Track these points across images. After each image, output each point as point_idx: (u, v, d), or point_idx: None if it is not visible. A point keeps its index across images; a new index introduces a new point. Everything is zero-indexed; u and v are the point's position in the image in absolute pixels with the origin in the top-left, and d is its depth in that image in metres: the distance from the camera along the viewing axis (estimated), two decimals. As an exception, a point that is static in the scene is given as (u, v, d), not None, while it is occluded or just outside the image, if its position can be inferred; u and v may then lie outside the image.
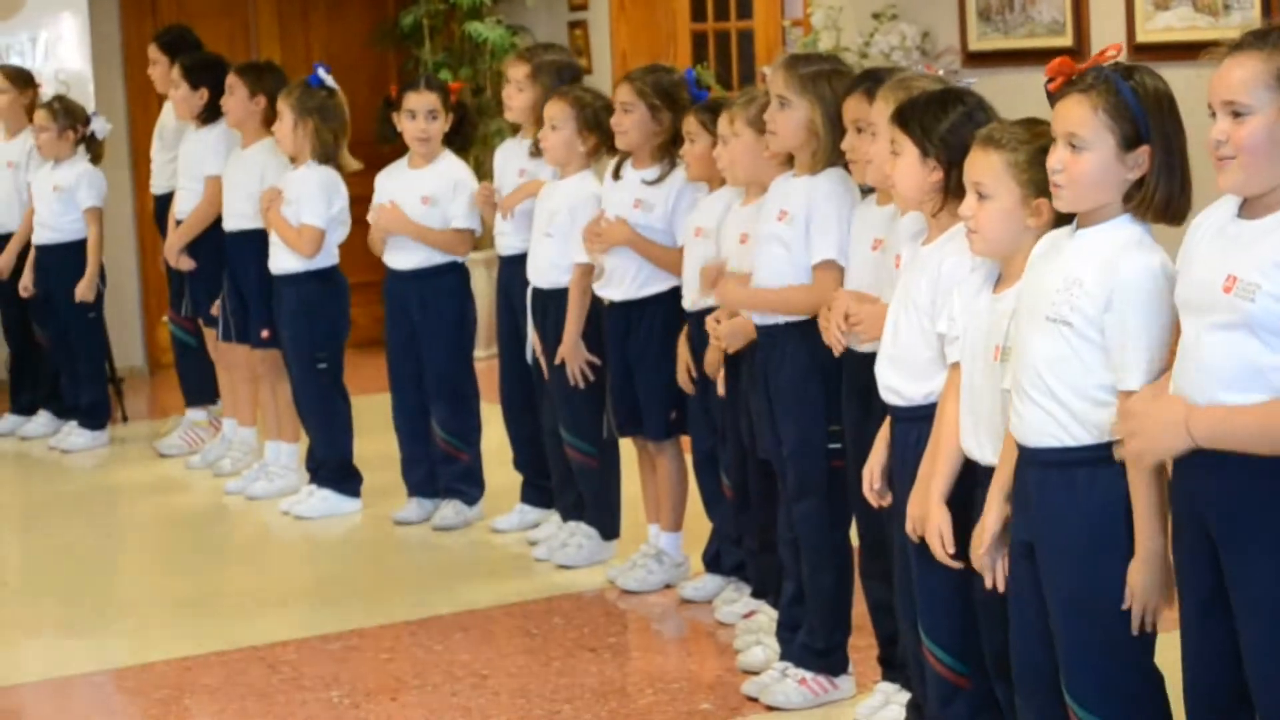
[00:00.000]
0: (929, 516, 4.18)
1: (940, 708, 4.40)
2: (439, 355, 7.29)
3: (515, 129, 7.21)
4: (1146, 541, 3.67)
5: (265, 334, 7.83)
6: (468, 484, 7.37)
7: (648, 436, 6.40)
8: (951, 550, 4.15)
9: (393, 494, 7.59)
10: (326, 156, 7.48)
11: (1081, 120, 3.72)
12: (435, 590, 6.59)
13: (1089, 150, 3.72)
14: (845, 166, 5.11)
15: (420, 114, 7.19)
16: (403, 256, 7.27)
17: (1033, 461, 3.81)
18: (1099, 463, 3.73)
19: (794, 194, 5.20)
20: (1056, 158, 3.75)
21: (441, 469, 7.39)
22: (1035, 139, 3.97)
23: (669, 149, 6.23)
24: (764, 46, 10.09)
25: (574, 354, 6.52)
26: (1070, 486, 3.75)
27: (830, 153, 5.14)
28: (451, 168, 7.27)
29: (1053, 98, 3.82)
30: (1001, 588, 3.99)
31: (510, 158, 7.10)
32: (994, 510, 3.96)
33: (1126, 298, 3.67)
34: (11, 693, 5.84)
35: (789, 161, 5.29)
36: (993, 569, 3.99)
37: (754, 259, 5.32)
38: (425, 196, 7.22)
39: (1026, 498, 3.85)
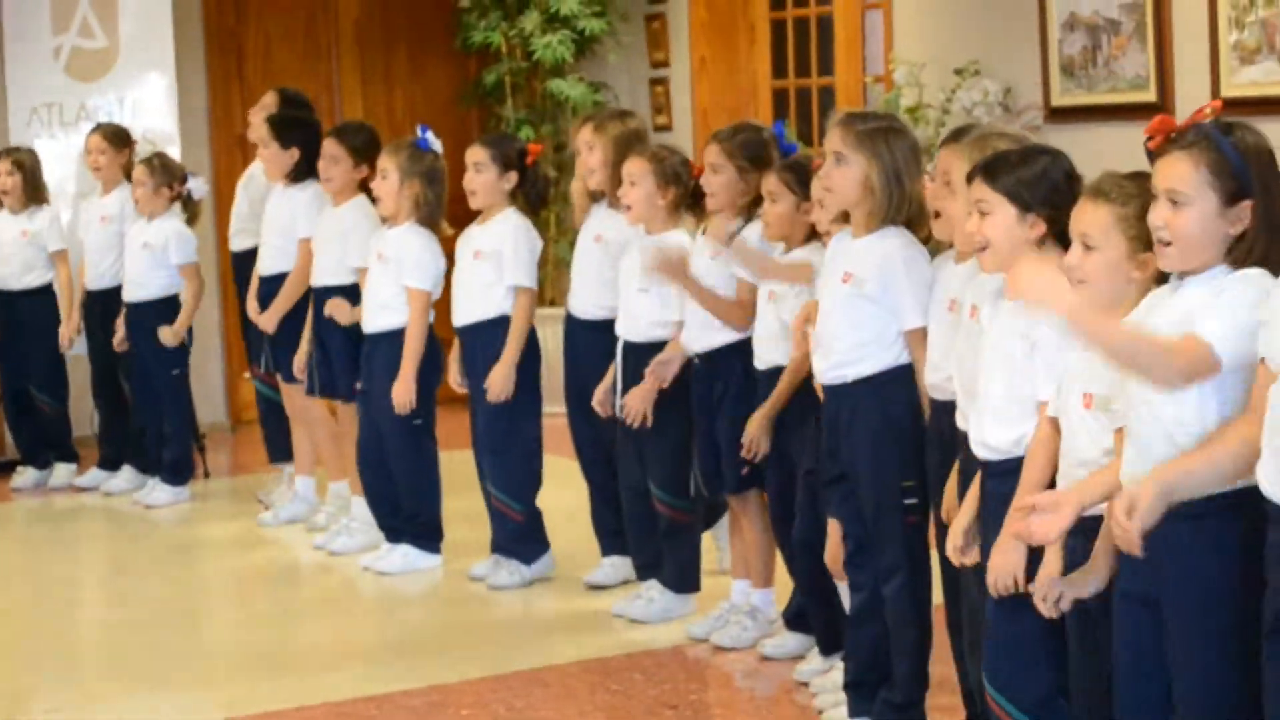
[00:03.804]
0: (1045, 565, 4.11)
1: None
2: (491, 410, 7.28)
3: (594, 195, 7.19)
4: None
5: (358, 386, 7.83)
6: (524, 543, 7.35)
7: (725, 491, 6.38)
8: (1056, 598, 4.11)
9: (473, 550, 7.58)
10: (429, 219, 7.50)
11: (1183, 177, 3.71)
12: (515, 646, 6.58)
13: (1190, 207, 3.71)
14: (905, 224, 5.15)
15: (469, 167, 7.25)
16: (461, 311, 7.30)
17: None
18: (1226, 513, 3.68)
19: (857, 256, 5.20)
20: (1159, 215, 3.74)
21: (495, 527, 7.39)
22: (1143, 193, 3.95)
23: (751, 207, 6.23)
24: (845, 103, 10.06)
25: (645, 399, 6.54)
26: (1198, 539, 3.70)
27: (887, 210, 5.15)
28: (506, 225, 7.27)
29: (1151, 155, 3.81)
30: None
31: (591, 224, 7.12)
32: (1105, 561, 3.94)
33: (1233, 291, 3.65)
34: (94, 747, 5.87)
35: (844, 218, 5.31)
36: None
37: (821, 319, 5.31)
38: (477, 251, 7.25)
39: (1150, 550, 3.78)
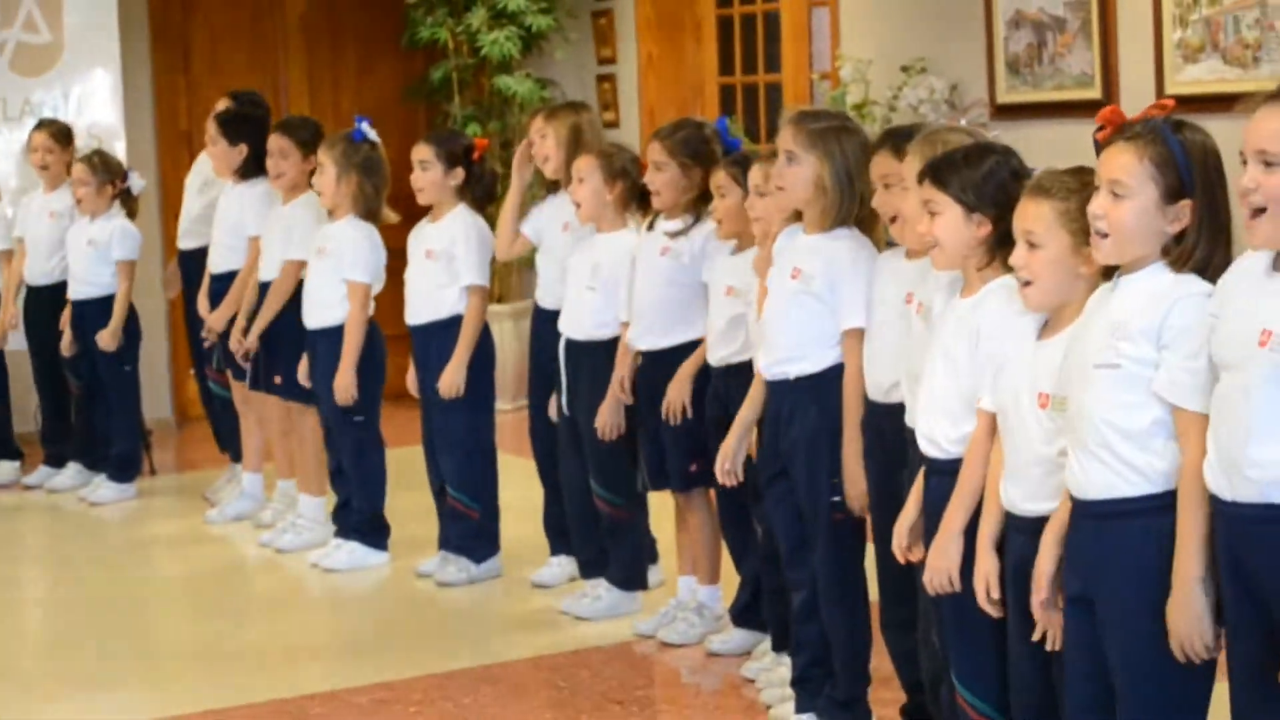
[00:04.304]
0: (980, 562, 4.15)
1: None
2: (448, 410, 7.28)
3: (551, 186, 7.18)
4: (1184, 571, 3.65)
5: (277, 380, 7.84)
6: (477, 541, 7.35)
7: (672, 488, 6.39)
8: (997, 596, 4.14)
9: (421, 547, 7.58)
10: (369, 212, 7.50)
11: (1126, 168, 3.73)
12: (463, 643, 6.58)
13: (1130, 198, 3.73)
14: (857, 222, 5.17)
15: (415, 164, 7.25)
16: (414, 311, 7.30)
17: (1090, 514, 3.80)
18: (1158, 512, 3.70)
19: (807, 252, 5.22)
20: (1098, 204, 3.76)
21: (450, 525, 7.39)
22: (1085, 187, 3.96)
23: (697, 203, 6.24)
24: (792, 100, 10.09)
25: (614, 414, 6.52)
26: (1130, 537, 3.73)
27: (840, 209, 5.17)
28: (458, 223, 7.26)
29: (1099, 146, 3.82)
30: (1058, 641, 3.96)
31: (554, 214, 7.09)
32: (1049, 557, 3.93)
33: (1181, 327, 3.66)
34: (39, 745, 5.84)
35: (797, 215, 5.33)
36: (1049, 620, 3.96)
37: (767, 314, 5.33)
38: (429, 250, 7.24)
39: (1083, 552, 3.83)
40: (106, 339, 8.96)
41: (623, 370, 6.47)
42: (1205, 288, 3.68)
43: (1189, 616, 3.64)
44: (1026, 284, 4.05)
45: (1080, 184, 3.99)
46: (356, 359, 7.45)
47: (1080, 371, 3.79)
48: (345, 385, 7.43)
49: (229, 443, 8.94)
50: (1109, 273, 3.90)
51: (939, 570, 4.26)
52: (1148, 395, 3.69)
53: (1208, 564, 3.62)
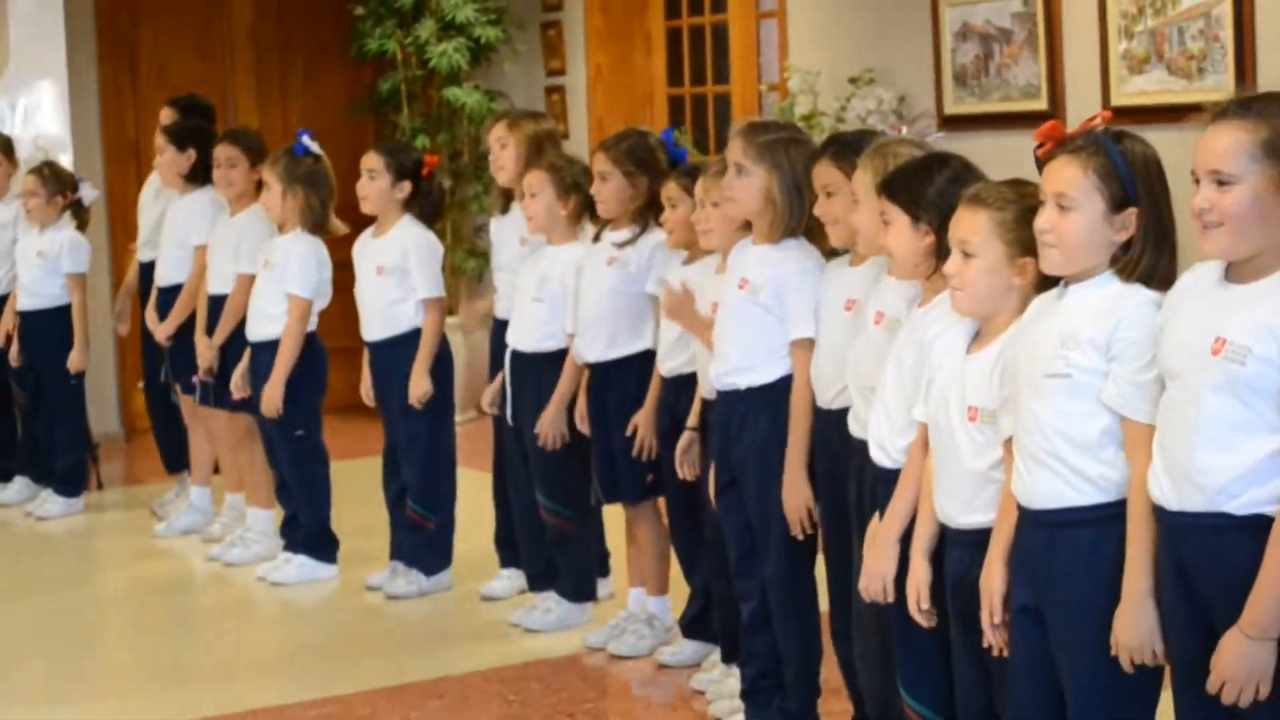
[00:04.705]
0: (913, 571, 4.18)
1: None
2: (410, 424, 7.26)
3: (506, 197, 7.16)
4: (1135, 584, 3.66)
5: (237, 396, 7.81)
6: (430, 553, 7.34)
7: (625, 501, 6.39)
8: (926, 607, 4.16)
9: (370, 560, 7.56)
10: (315, 225, 7.49)
11: (1071, 181, 3.76)
12: (412, 656, 6.56)
13: (1077, 211, 3.75)
14: (805, 233, 5.19)
15: (363, 172, 7.23)
16: (371, 328, 7.28)
17: (1039, 523, 3.81)
18: (1107, 521, 3.72)
19: (755, 263, 5.23)
20: (1045, 218, 3.79)
21: (405, 536, 7.37)
22: (1021, 199, 4.00)
23: (644, 213, 6.23)
24: (741, 111, 10.12)
25: (556, 423, 6.52)
26: (1079, 546, 3.75)
27: (789, 220, 5.19)
28: (405, 236, 7.24)
29: (1040, 162, 3.85)
30: (1004, 649, 3.97)
31: (511, 228, 7.08)
32: (998, 574, 3.94)
33: (1130, 340, 3.68)
34: (-15, 762, 5.81)
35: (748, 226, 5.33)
36: (998, 637, 3.97)
37: (718, 326, 5.34)
38: (380, 266, 7.22)
39: (1032, 561, 3.84)
40: (76, 361, 8.93)
41: (569, 383, 6.46)
42: (1154, 297, 3.71)
43: (1140, 629, 3.66)
44: (958, 290, 4.07)
45: (1017, 195, 4.01)
46: (288, 372, 7.44)
47: (1029, 381, 3.80)
48: (272, 398, 7.42)
49: (175, 457, 8.90)
50: (1044, 283, 3.92)
51: (875, 577, 4.28)
52: (1098, 405, 3.72)
53: (1157, 576, 3.64)
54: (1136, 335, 3.68)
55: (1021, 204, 3.98)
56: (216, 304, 7.99)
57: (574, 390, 6.48)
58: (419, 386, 7.13)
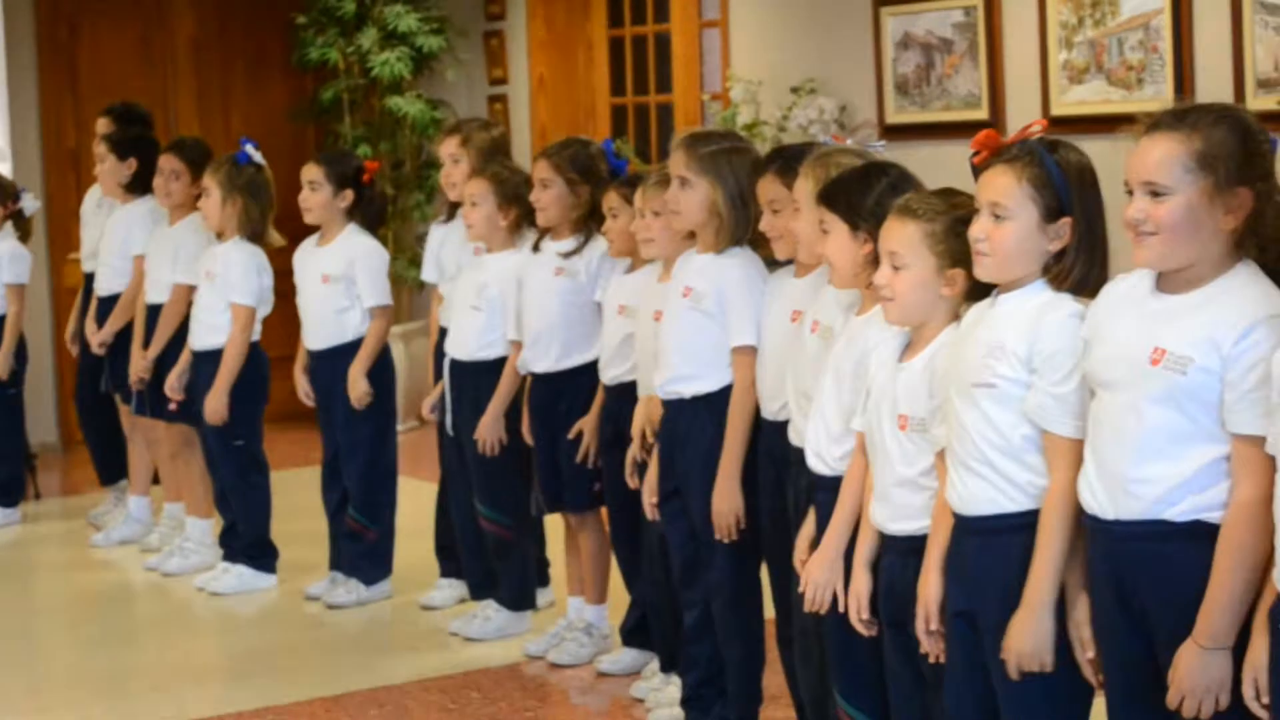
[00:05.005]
0: (854, 581, 4.18)
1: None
2: (351, 432, 7.24)
3: (452, 206, 7.12)
4: (1037, 595, 3.68)
5: (174, 405, 7.78)
6: (370, 563, 7.32)
7: (570, 509, 6.37)
8: (865, 616, 4.16)
9: (310, 570, 7.53)
10: (254, 234, 7.46)
11: (1005, 190, 3.77)
12: (351, 666, 6.53)
13: (1011, 220, 3.76)
14: (750, 243, 5.19)
15: (304, 184, 7.21)
16: (315, 336, 7.25)
17: (972, 530, 3.82)
18: (1031, 526, 3.72)
19: (698, 272, 5.24)
20: (979, 227, 3.80)
21: (345, 546, 7.35)
22: (952, 209, 4.00)
23: (587, 222, 6.23)
24: (683, 120, 10.12)
25: (494, 429, 6.50)
26: (1011, 552, 3.75)
27: (734, 230, 5.20)
28: (351, 244, 7.22)
29: (976, 170, 3.86)
30: (941, 654, 3.97)
31: (454, 235, 7.04)
32: (934, 581, 3.95)
33: (1050, 353, 3.68)
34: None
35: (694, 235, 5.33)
36: (933, 644, 3.97)
37: (661, 335, 5.33)
38: (325, 275, 7.19)
39: (965, 567, 3.85)
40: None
41: (508, 388, 6.45)
42: (1077, 309, 3.72)
43: (1036, 638, 3.68)
44: (888, 300, 4.07)
45: (947, 206, 4.02)
46: (231, 381, 7.42)
47: (960, 389, 3.82)
48: (216, 407, 7.39)
49: (110, 469, 8.86)
50: (975, 292, 3.93)
51: (819, 587, 4.27)
52: (1021, 414, 3.73)
53: (1059, 588, 3.66)
54: (1056, 348, 3.69)
55: (951, 215, 3.99)
56: (154, 313, 7.96)
57: (513, 395, 6.47)
58: (357, 388, 7.11)
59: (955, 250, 3.95)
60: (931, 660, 3.99)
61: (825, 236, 4.39)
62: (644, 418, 5.61)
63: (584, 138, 6.78)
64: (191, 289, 7.71)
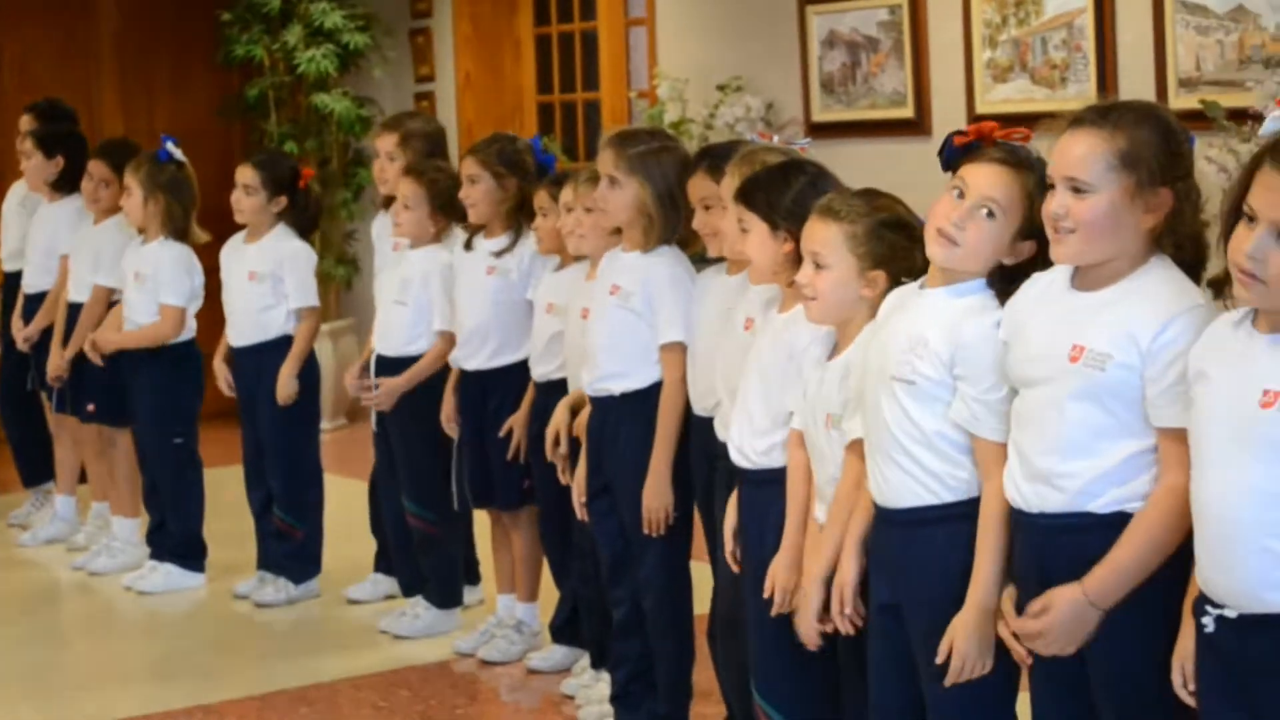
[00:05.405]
0: (840, 574, 4.13)
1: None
2: (274, 431, 7.24)
3: (386, 202, 7.11)
4: (980, 599, 3.70)
5: (91, 408, 7.76)
6: (298, 562, 7.31)
7: (499, 506, 6.38)
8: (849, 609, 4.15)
9: (238, 569, 7.51)
10: (179, 232, 7.43)
11: (987, 189, 3.74)
12: (280, 664, 6.52)
13: (1000, 217, 3.73)
14: (679, 241, 5.21)
15: (238, 186, 7.19)
16: (240, 333, 7.24)
17: (895, 522, 3.84)
18: (961, 519, 3.74)
19: (626, 270, 5.26)
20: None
21: (272, 545, 7.34)
22: (874, 212, 4.03)
23: (516, 216, 6.24)
24: (610, 118, 10.14)
25: (393, 394, 6.54)
26: (934, 544, 3.78)
27: (662, 230, 5.22)
28: (279, 245, 7.19)
29: (956, 152, 3.83)
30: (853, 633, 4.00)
31: (386, 231, 7.04)
32: (849, 567, 3.97)
33: (974, 360, 3.71)
34: None
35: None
36: (851, 630, 3.99)
37: (589, 333, 5.35)
38: (252, 272, 7.18)
39: (889, 559, 3.88)
40: None
41: (428, 365, 6.50)
42: (996, 317, 3.72)
43: (980, 642, 3.69)
44: (810, 300, 4.09)
45: (870, 208, 4.04)
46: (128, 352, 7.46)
47: (879, 379, 3.83)
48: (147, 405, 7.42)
49: (33, 470, 8.82)
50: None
51: (785, 591, 4.22)
52: (941, 408, 3.75)
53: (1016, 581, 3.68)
54: (978, 356, 3.70)
55: (874, 217, 4.02)
56: (75, 312, 7.94)
57: (430, 372, 6.47)
58: (286, 388, 7.10)
59: (876, 252, 3.99)
60: (844, 636, 4.00)
61: (745, 235, 4.41)
62: (559, 421, 5.63)
63: (509, 133, 6.79)
64: (111, 290, 7.70)
